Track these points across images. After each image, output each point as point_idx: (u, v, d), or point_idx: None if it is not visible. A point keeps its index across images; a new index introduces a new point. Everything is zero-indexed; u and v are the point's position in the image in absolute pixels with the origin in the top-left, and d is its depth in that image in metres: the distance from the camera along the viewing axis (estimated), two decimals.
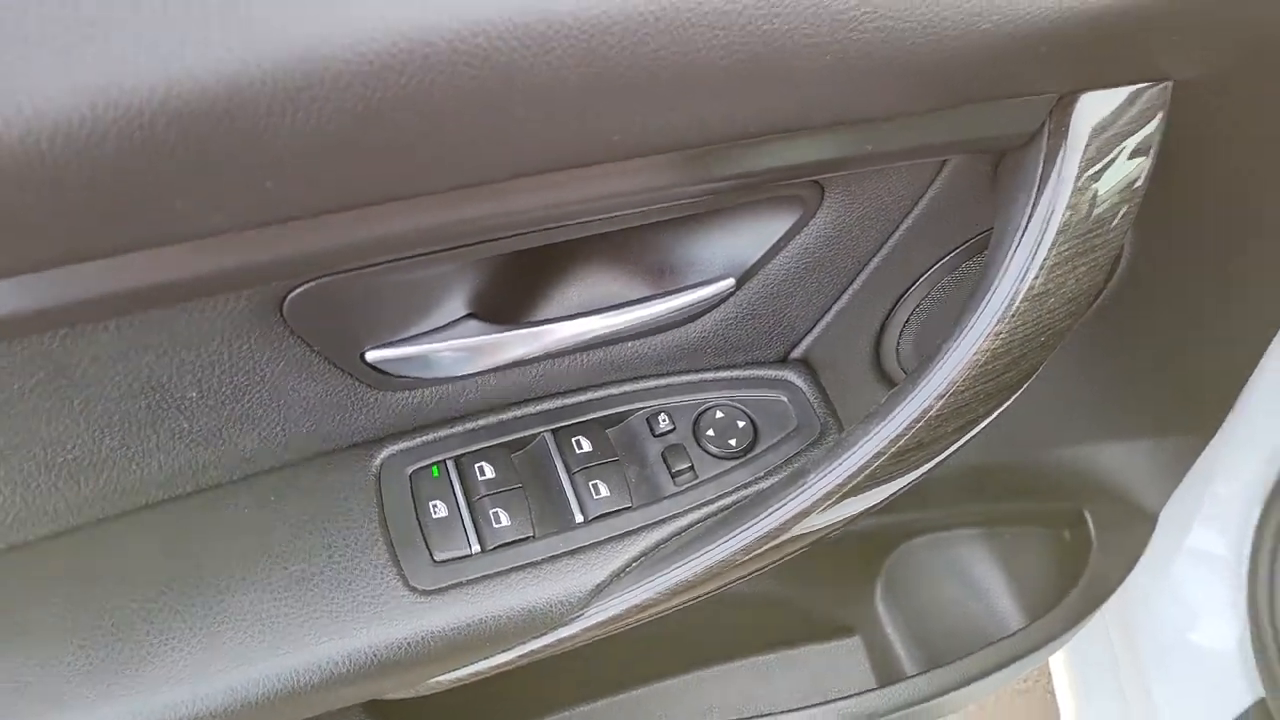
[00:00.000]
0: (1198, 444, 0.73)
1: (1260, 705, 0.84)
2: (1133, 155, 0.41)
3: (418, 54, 0.27)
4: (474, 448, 0.47)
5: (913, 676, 0.74)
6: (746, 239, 0.44)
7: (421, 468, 0.46)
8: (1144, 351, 0.62)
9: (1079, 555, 0.79)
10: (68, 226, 0.27)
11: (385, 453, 0.46)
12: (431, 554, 0.44)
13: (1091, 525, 0.78)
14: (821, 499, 0.42)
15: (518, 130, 0.30)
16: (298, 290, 0.36)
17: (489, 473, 0.46)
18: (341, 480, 0.45)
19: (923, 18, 0.32)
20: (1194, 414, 0.70)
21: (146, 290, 0.31)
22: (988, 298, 0.40)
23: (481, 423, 0.48)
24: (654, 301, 0.44)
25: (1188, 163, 0.46)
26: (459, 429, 0.47)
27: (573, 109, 0.30)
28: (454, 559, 0.44)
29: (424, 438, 0.47)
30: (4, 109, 0.24)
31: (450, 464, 0.46)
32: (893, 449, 0.41)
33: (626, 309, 0.44)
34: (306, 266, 0.35)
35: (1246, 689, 0.85)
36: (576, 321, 0.44)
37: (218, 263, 0.31)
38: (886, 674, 0.80)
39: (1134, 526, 0.80)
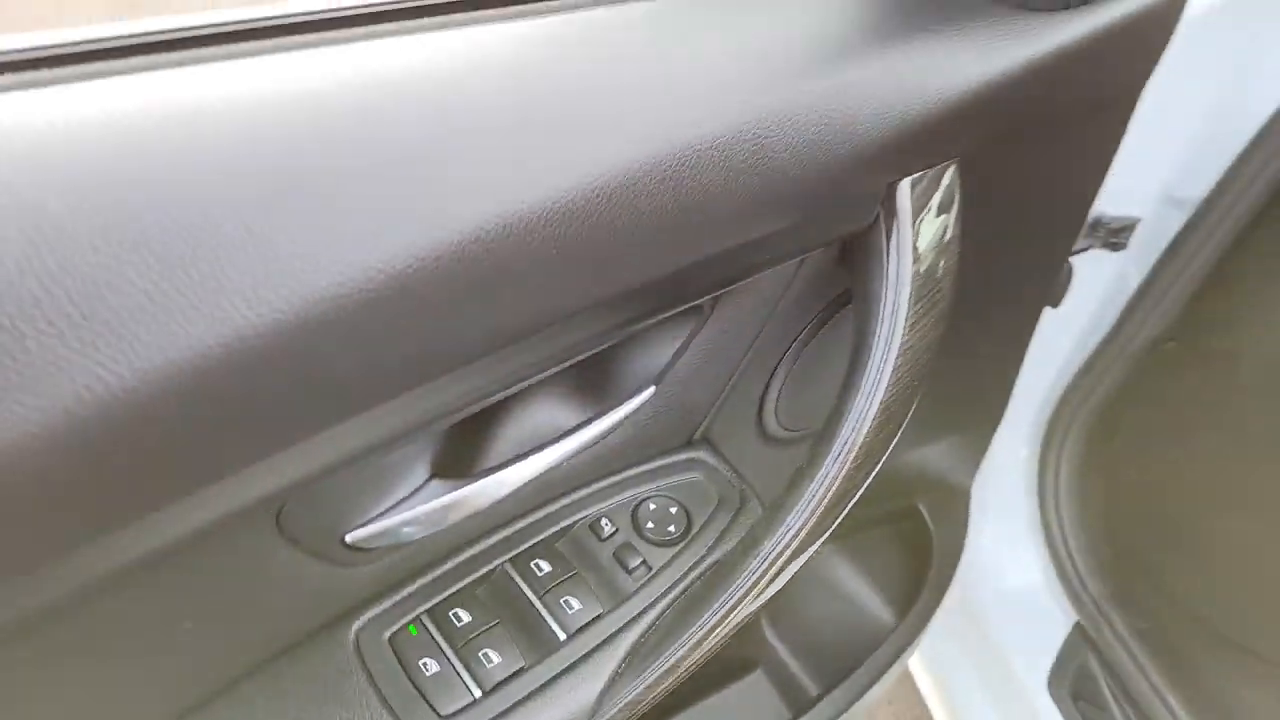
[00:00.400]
0: (994, 427, 0.87)
1: (1077, 627, 1.00)
2: (939, 214, 0.51)
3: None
4: (443, 596, 0.48)
5: (819, 699, 0.82)
6: (659, 349, 0.50)
7: (398, 630, 0.47)
8: (954, 367, 0.74)
9: (923, 544, 0.91)
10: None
11: (357, 625, 0.47)
12: (437, 712, 0.45)
13: (926, 515, 0.90)
14: (776, 561, 0.48)
15: (499, 315, 0.34)
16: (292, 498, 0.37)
17: (465, 617, 0.48)
18: (323, 669, 0.45)
19: (799, 163, 0.40)
20: (988, 406, 0.84)
21: (186, 535, 0.31)
22: (872, 360, 0.48)
23: (442, 570, 0.49)
24: (592, 424, 0.48)
25: (971, 215, 0.57)
26: (422, 581, 0.48)
27: (542, 292, 0.34)
28: (460, 710, 0.45)
29: (392, 599, 0.48)
30: None
31: (425, 618, 0.47)
32: (826, 500, 0.48)
33: (570, 436, 0.48)
34: (320, 476, 0.36)
35: (1063, 616, 1.01)
36: (529, 460, 0.47)
37: (255, 491, 0.32)
38: (794, 700, 0.87)
39: (956, 506, 0.93)
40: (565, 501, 0.53)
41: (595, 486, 0.54)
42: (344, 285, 0.28)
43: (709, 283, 0.45)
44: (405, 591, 0.48)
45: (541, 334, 0.37)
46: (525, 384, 0.43)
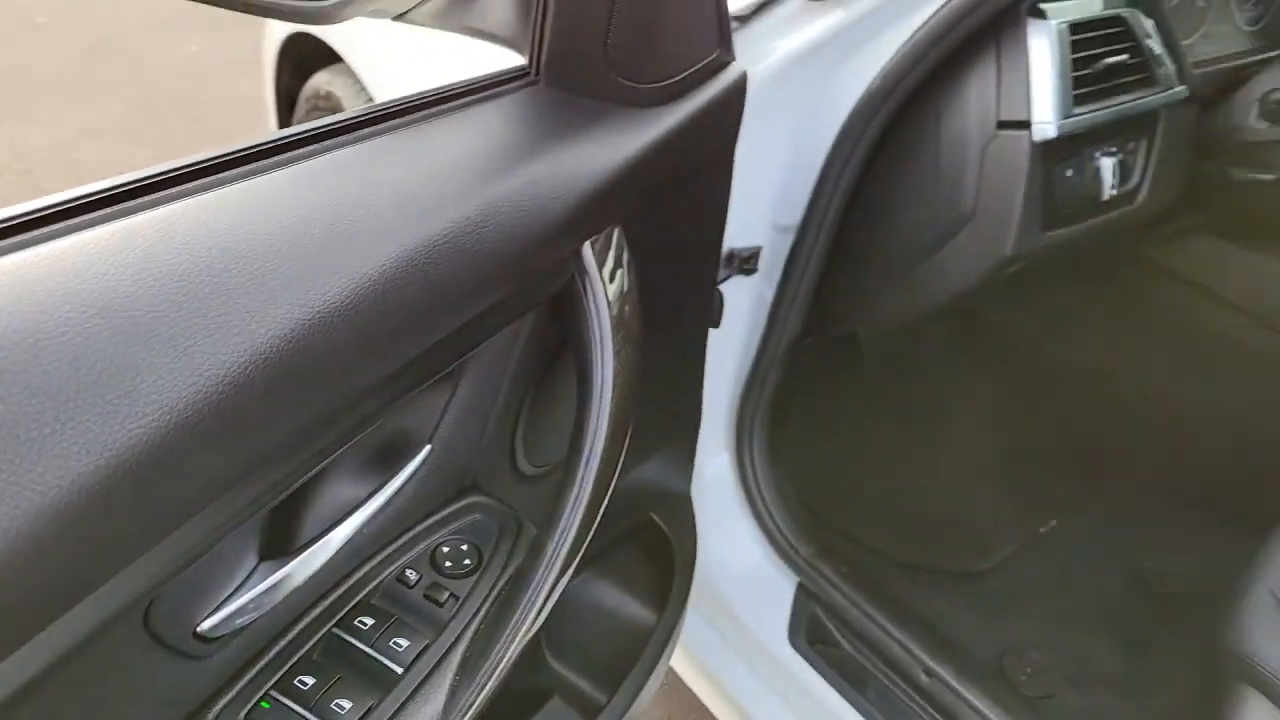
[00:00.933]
0: (695, 437, 1.05)
1: (799, 586, 1.19)
2: (615, 266, 0.66)
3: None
4: (285, 668, 0.54)
5: (603, 707, 0.92)
6: (426, 414, 0.60)
7: (252, 708, 0.52)
8: (650, 392, 0.90)
9: (664, 550, 1.05)
10: None
11: (213, 713, 0.51)
12: None
13: (661, 525, 1.05)
14: (566, 557, 0.59)
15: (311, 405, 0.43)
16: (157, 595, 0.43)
17: (310, 680, 0.54)
18: None
19: (508, 243, 0.53)
20: (685, 420, 1.01)
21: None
22: (594, 392, 0.61)
23: (280, 646, 0.55)
24: (384, 488, 0.57)
25: (637, 262, 0.73)
26: (264, 660, 0.54)
27: (341, 378, 0.44)
28: None
29: (240, 683, 0.52)
30: None
31: (275, 692, 0.53)
32: (585, 512, 0.60)
33: (369, 501, 0.56)
34: (184, 566, 0.42)
35: (786, 582, 1.20)
36: (336, 532, 0.55)
37: (141, 584, 0.38)
38: (592, 714, 0.97)
39: (682, 512, 1.09)
40: (373, 564, 0.60)
41: (395, 545, 0.62)
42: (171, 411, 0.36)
43: (457, 350, 0.56)
44: (251, 673, 0.53)
45: (339, 415, 0.46)
46: (325, 462, 0.51)
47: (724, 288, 1.03)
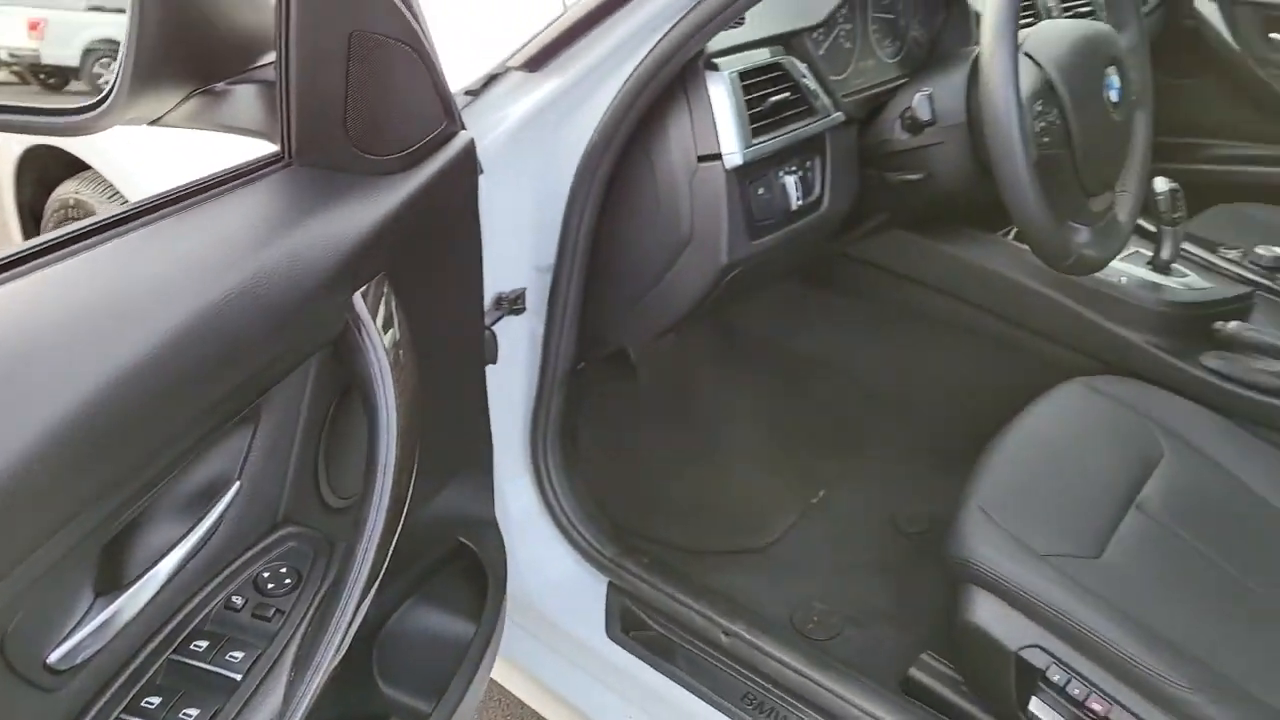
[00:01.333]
0: (489, 463, 1.16)
1: (610, 585, 1.32)
2: (385, 310, 0.78)
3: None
4: (131, 694, 0.61)
5: (430, 713, 1.00)
6: (233, 451, 0.68)
7: None
8: (439, 425, 1.01)
9: (477, 569, 1.15)
10: None
11: None
12: None
13: (471, 546, 1.15)
14: (373, 563, 0.69)
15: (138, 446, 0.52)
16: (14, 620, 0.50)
17: (156, 700, 0.61)
18: None
19: (288, 294, 0.63)
20: (477, 449, 1.13)
21: None
22: (384, 427, 0.72)
23: (124, 676, 0.61)
24: (203, 522, 0.65)
25: (406, 307, 0.85)
26: (111, 690, 0.60)
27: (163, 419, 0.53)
28: None
29: (90, 714, 0.59)
30: None
31: (125, 715, 0.59)
32: (385, 523, 0.71)
33: (189, 536, 0.64)
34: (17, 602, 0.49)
35: (597, 583, 1.33)
36: (161, 565, 0.62)
37: None
38: None
39: (489, 532, 1.19)
40: (201, 596, 0.68)
41: (220, 577, 0.70)
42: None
43: (250, 395, 0.65)
44: (100, 702, 0.59)
45: (149, 461, 0.55)
46: (143, 502, 0.59)
47: (498, 327, 1.16)
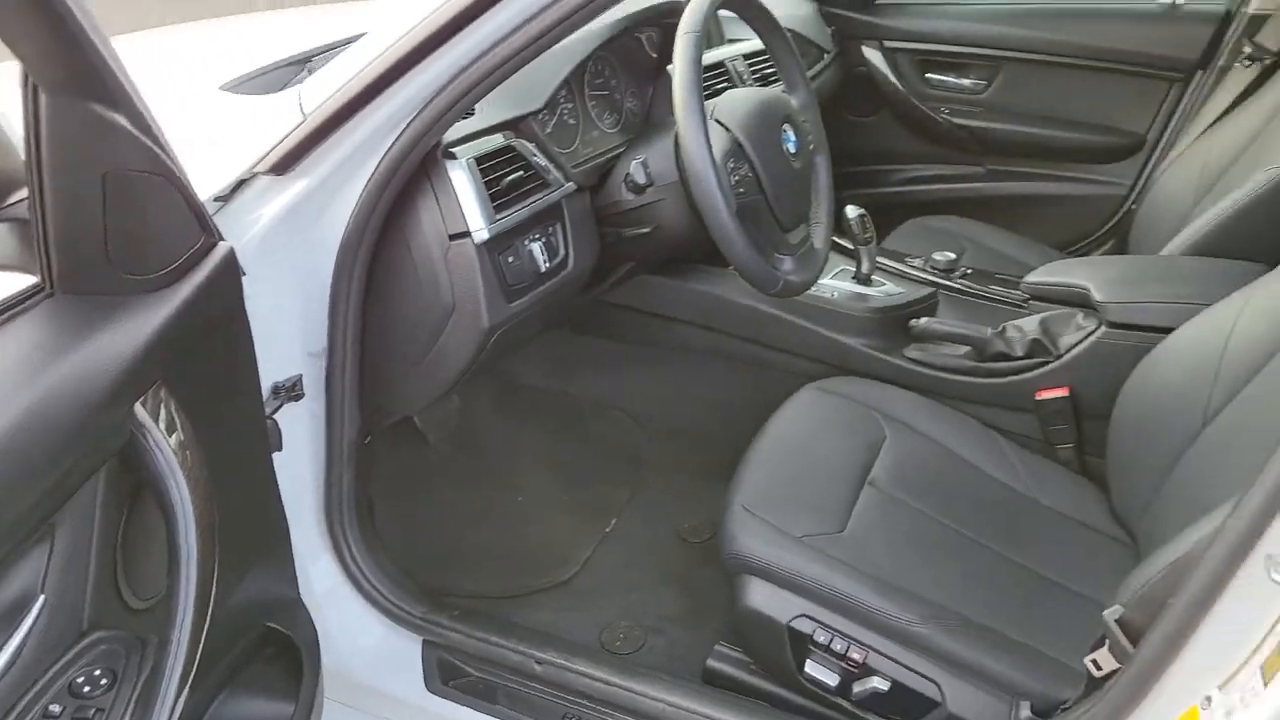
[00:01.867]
0: (287, 547, 1.20)
1: (425, 642, 1.39)
2: (167, 415, 0.83)
3: None
4: None
5: None
6: (34, 565, 0.72)
7: None
8: (233, 516, 1.05)
9: (292, 648, 1.19)
10: None
11: None
12: None
13: (281, 628, 1.19)
14: (188, 649, 0.75)
15: None
16: None
17: None
18: None
19: (71, 415, 0.69)
20: (273, 534, 1.17)
21: None
22: (181, 522, 0.78)
23: None
24: (13, 638, 0.68)
25: (188, 408, 0.90)
26: None
27: None
28: None
29: None
30: None
31: None
32: (193, 617, 0.77)
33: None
34: None
35: (413, 642, 1.39)
36: None
37: None
38: None
39: (297, 612, 1.23)
40: (15, 711, 0.71)
41: (34, 690, 0.73)
42: None
43: (42, 513, 0.70)
44: None
45: None
46: None
47: (279, 416, 1.21)
